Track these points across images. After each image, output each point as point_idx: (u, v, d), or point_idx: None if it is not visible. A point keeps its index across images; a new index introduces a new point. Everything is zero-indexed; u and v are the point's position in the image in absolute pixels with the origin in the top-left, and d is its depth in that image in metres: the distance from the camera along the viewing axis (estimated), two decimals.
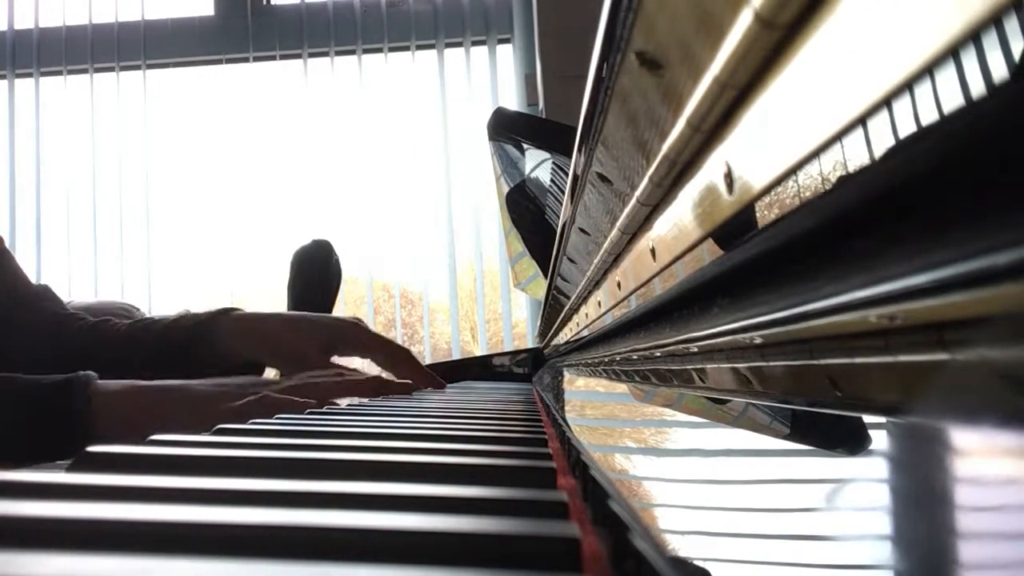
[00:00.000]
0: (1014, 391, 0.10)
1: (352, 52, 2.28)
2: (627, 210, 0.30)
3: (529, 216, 1.36)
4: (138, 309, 1.99)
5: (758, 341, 0.21)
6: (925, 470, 0.13)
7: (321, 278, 1.61)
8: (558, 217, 0.63)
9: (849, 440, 0.17)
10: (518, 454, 0.31)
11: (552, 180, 1.20)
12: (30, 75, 2.33)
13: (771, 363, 0.21)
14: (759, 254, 0.19)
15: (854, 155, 0.13)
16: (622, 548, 0.18)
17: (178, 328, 0.87)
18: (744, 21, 0.15)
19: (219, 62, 2.32)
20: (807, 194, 0.15)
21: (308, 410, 0.49)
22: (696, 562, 0.18)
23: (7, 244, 0.90)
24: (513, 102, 2.17)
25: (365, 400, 0.72)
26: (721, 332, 0.23)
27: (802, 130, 0.14)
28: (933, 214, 0.12)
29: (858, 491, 0.16)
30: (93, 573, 0.14)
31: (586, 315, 0.59)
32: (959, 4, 0.09)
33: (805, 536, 0.17)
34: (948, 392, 0.12)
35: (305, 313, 0.95)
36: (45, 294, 0.87)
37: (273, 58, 2.31)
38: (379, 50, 2.27)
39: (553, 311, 0.89)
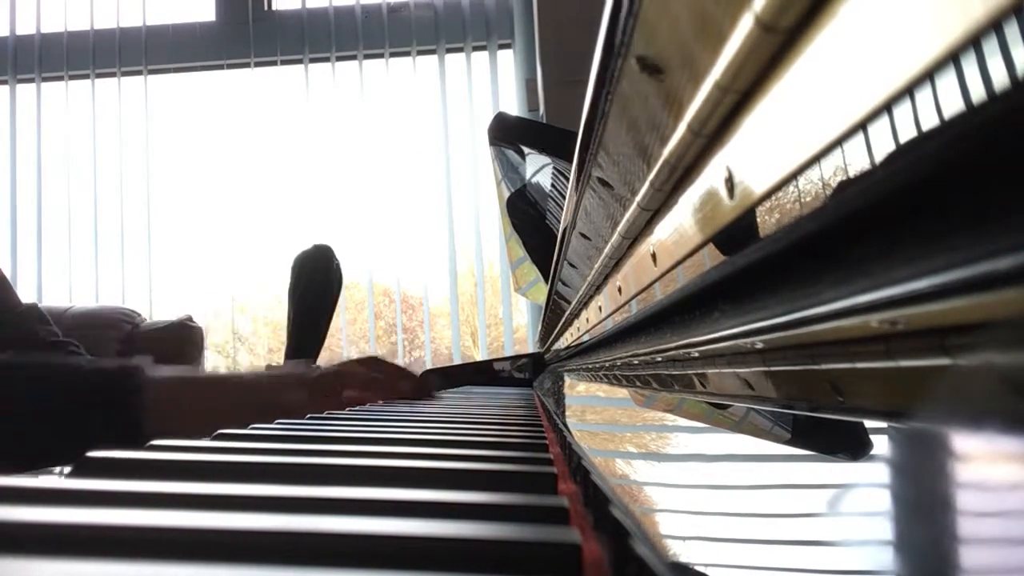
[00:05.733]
0: (1016, 396, 0.10)
1: (353, 57, 2.29)
2: (628, 215, 0.30)
3: (530, 221, 1.36)
4: (139, 315, 1.99)
5: (759, 346, 0.21)
6: (927, 475, 0.13)
7: (322, 283, 1.61)
8: (559, 222, 0.63)
9: (851, 445, 0.17)
10: (519, 459, 0.31)
11: (553, 185, 1.20)
12: (32, 80, 2.34)
13: (772, 368, 0.21)
14: (760, 259, 0.19)
15: (855, 160, 0.13)
16: (623, 554, 0.18)
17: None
18: (745, 25, 0.15)
19: (220, 67, 2.32)
20: (808, 199, 0.15)
21: (308, 415, 0.49)
22: (697, 567, 0.18)
23: (8, 249, 0.90)
24: (514, 107, 2.17)
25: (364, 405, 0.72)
26: (722, 337, 0.23)
27: (803, 135, 0.14)
28: (934, 219, 0.12)
29: (860, 496, 0.16)
30: None
31: (587, 320, 0.59)
32: (959, 9, 0.09)
33: (807, 541, 0.17)
34: (950, 397, 0.12)
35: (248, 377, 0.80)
36: (32, 313, 0.86)
37: (274, 63, 2.31)
38: (380, 55, 2.28)
39: (554, 316, 0.89)
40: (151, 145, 2.32)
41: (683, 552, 0.19)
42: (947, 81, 0.10)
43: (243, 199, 2.31)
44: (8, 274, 0.90)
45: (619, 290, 0.39)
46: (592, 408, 0.60)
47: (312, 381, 0.73)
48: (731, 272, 0.22)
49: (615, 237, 0.34)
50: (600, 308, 0.50)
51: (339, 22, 2.29)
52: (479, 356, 2.26)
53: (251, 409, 0.69)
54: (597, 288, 0.49)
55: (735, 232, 0.20)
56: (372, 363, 0.81)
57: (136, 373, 0.68)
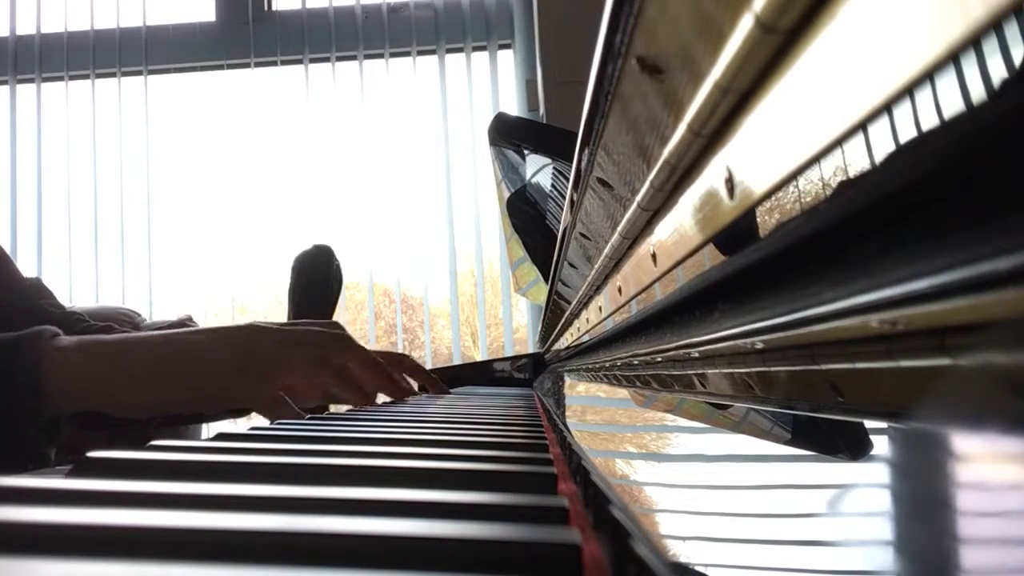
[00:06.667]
0: (1016, 396, 0.10)
1: (353, 58, 2.28)
2: (628, 215, 0.30)
3: (530, 221, 1.36)
4: (139, 315, 1.99)
5: (759, 346, 0.21)
6: (927, 475, 0.13)
7: (322, 283, 1.61)
8: (559, 222, 0.63)
9: (851, 445, 0.17)
10: (519, 459, 0.31)
11: (553, 185, 1.20)
12: (32, 80, 2.34)
13: (772, 368, 0.21)
14: (760, 259, 0.19)
15: (855, 160, 0.13)
16: (623, 554, 0.18)
17: None
18: (745, 26, 0.15)
19: (220, 68, 2.32)
20: (808, 199, 0.15)
21: (309, 415, 0.49)
22: (698, 568, 0.18)
23: (8, 249, 0.88)
24: (514, 107, 2.17)
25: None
26: (722, 337, 0.23)
27: (803, 135, 0.14)
28: (934, 219, 0.12)
29: (860, 496, 0.16)
30: None
31: (587, 320, 0.59)
32: (959, 9, 0.09)
33: (807, 541, 0.17)
34: (950, 397, 0.12)
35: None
36: (38, 288, 0.85)
37: (274, 64, 2.31)
38: (380, 56, 2.28)
39: (554, 316, 0.89)
40: (151, 145, 2.32)
41: (683, 552, 0.19)
42: (947, 81, 0.10)
43: (243, 199, 2.31)
44: None
45: (619, 290, 0.39)
46: (592, 408, 0.60)
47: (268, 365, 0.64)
48: (731, 272, 0.22)
49: (615, 237, 0.34)
50: (600, 308, 0.50)
51: (339, 22, 2.29)
52: (479, 356, 2.26)
53: (187, 377, 0.62)
54: (597, 288, 0.49)
55: (735, 232, 0.20)
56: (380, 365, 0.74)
57: (31, 344, 0.60)
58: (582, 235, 0.47)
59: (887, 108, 0.12)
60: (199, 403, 0.66)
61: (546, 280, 1.04)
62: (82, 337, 0.66)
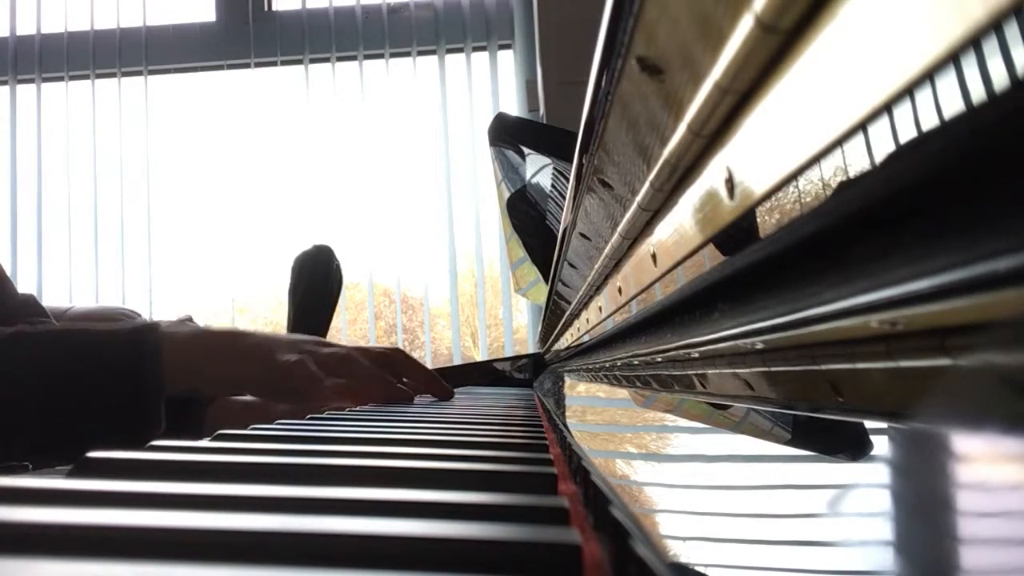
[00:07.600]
0: (1016, 396, 0.10)
1: (353, 58, 2.28)
2: (628, 215, 0.30)
3: (530, 221, 1.36)
4: (139, 315, 1.99)
5: (759, 346, 0.21)
6: (927, 475, 0.13)
7: (322, 283, 1.61)
8: (559, 222, 0.63)
9: (851, 445, 0.17)
10: (519, 460, 0.31)
11: (553, 185, 1.20)
12: (32, 81, 2.33)
13: (772, 368, 0.21)
14: (760, 259, 0.19)
15: (855, 160, 0.13)
16: (623, 555, 0.18)
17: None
18: (745, 26, 0.15)
19: (220, 68, 2.32)
20: (808, 199, 0.15)
21: (308, 415, 0.49)
22: (698, 568, 0.18)
23: (8, 249, 0.90)
24: (514, 108, 2.17)
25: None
26: (722, 337, 0.23)
27: (803, 135, 0.14)
28: (934, 219, 0.12)
29: (860, 497, 0.16)
30: None
31: (587, 320, 0.59)
32: (959, 9, 0.09)
33: (807, 542, 0.17)
34: (950, 397, 0.12)
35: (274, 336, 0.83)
36: (31, 306, 0.86)
37: (275, 64, 2.31)
38: (380, 56, 2.28)
39: (554, 316, 0.89)
40: (151, 145, 2.32)
41: (683, 552, 0.19)
42: (947, 81, 0.10)
43: (243, 199, 2.31)
44: (8, 274, 0.90)
45: (619, 290, 0.39)
46: (592, 408, 0.60)
47: (313, 354, 0.74)
48: (731, 272, 0.22)
49: (615, 237, 0.34)
50: (600, 308, 0.50)
51: (339, 22, 2.29)
52: (479, 357, 2.26)
53: (258, 365, 0.72)
54: (597, 288, 0.49)
55: (735, 232, 0.20)
56: (390, 358, 0.80)
57: (153, 333, 0.70)
58: (582, 235, 0.47)
59: (887, 108, 0.12)
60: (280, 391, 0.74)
61: (546, 280, 1.04)
62: (192, 328, 0.77)
